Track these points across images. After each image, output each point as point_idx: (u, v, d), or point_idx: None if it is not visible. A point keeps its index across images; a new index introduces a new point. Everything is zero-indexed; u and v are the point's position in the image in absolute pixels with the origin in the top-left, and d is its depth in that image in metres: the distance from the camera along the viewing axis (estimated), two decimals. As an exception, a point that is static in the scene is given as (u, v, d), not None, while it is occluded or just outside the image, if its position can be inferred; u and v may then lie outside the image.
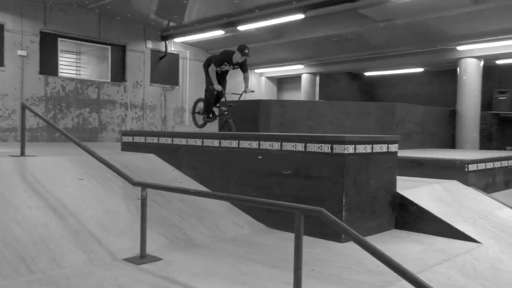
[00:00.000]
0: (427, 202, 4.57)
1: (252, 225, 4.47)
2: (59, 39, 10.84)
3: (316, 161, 4.26)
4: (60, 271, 3.04)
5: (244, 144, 4.92)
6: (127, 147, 6.61)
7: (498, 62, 12.49)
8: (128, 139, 6.64)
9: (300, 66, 15.15)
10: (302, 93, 15.38)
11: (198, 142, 5.49)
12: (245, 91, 6.87)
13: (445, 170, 5.87)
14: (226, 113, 6.97)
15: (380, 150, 4.51)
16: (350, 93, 16.61)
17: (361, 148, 4.27)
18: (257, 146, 4.80)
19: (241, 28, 11.05)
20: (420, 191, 4.84)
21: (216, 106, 7.23)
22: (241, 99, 7.29)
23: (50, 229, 3.48)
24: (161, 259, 3.34)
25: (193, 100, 13.86)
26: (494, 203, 5.23)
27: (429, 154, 6.88)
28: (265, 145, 4.71)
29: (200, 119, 7.46)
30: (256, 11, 10.32)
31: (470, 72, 11.52)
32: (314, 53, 13.87)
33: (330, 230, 3.85)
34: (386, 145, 4.60)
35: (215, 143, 5.26)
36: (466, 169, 5.72)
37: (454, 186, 5.41)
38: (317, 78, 15.47)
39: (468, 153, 7.59)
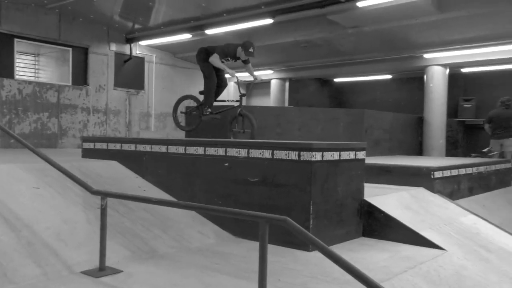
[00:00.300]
0: (394, 210, 4.67)
1: (218, 235, 4.44)
2: (15, 39, 10.50)
3: (283, 169, 4.28)
4: (11, 287, 2.92)
5: (210, 151, 4.90)
6: (88, 153, 6.45)
7: (463, 70, 12.97)
8: (90, 145, 6.49)
9: (269, 72, 15.26)
10: (271, 99, 15.51)
11: (163, 148, 5.42)
12: (255, 78, 6.50)
13: (412, 177, 6.02)
14: (237, 105, 6.38)
15: (348, 157, 4.58)
16: (319, 99, 16.86)
17: (329, 155, 4.33)
18: (223, 153, 4.78)
19: (209, 31, 11.04)
20: (387, 199, 4.95)
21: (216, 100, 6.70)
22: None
23: (1, 242, 3.35)
24: (122, 271, 3.27)
25: (160, 105, 13.80)
26: (458, 209, 5.40)
27: (397, 161, 7.05)
28: (232, 152, 4.70)
29: (189, 120, 6.74)
30: (224, 15, 10.34)
31: (437, 80, 11.93)
32: (284, 59, 14.01)
33: (298, 239, 3.87)
34: (354, 152, 4.67)
35: (180, 149, 5.21)
36: (432, 176, 5.89)
37: (420, 193, 5.56)
38: (287, 84, 15.63)
39: (434, 160, 7.83)
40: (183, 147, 5.18)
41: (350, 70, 14.18)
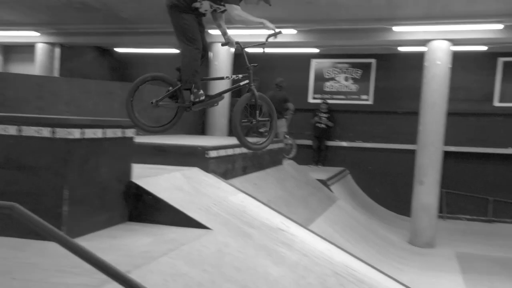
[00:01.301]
0: (164, 191, 4.81)
1: None
2: None
3: (33, 148, 3.94)
4: None
5: None
6: None
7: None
8: None
9: (35, 33, 13.86)
10: (36, 67, 14.14)
11: None
12: (274, 32, 4.56)
13: (187, 157, 6.32)
14: (246, 82, 4.86)
15: (113, 136, 4.50)
16: (99, 70, 16.12)
17: (91, 133, 4.17)
18: (-47, 129, 4.14)
19: None
20: (158, 180, 5.07)
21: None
22: None
23: None
24: None
25: None
26: (230, 188, 5.93)
27: (173, 140, 7.29)
28: (-35, 127, 4.11)
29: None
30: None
31: (222, 57, 12.76)
32: (53, 20, 12.90)
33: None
34: (121, 129, 4.62)
35: None
36: (207, 156, 6.29)
37: (194, 173, 5.88)
38: (57, 50, 14.47)
39: (212, 140, 8.39)
40: None
41: (133, 40, 13.97)
